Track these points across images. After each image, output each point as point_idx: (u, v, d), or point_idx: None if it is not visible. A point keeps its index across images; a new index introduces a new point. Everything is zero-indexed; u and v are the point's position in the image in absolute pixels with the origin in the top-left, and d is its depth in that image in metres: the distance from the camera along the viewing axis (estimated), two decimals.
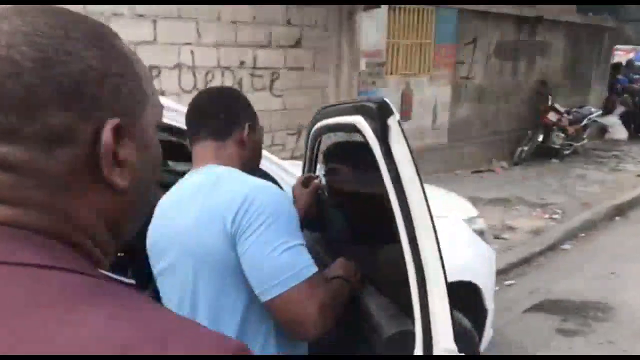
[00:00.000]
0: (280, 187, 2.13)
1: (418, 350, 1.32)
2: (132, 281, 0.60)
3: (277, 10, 6.67)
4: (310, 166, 2.19)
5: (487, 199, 7.43)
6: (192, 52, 6.07)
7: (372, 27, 7.77)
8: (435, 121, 9.21)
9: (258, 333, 1.39)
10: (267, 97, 6.77)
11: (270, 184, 1.41)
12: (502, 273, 5.24)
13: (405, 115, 8.63)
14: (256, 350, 1.39)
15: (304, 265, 1.32)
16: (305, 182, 1.93)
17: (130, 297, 0.55)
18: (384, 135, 1.24)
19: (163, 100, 2.29)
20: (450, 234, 2.93)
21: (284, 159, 2.89)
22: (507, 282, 5.14)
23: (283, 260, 1.29)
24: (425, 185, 3.81)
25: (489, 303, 3.06)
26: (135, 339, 0.48)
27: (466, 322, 2.86)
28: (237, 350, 0.52)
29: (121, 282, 0.59)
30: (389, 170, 1.24)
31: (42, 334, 0.47)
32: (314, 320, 1.30)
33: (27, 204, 0.56)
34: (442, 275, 1.21)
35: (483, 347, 3.21)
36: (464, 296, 2.94)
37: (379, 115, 1.26)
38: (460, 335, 2.77)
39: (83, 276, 0.54)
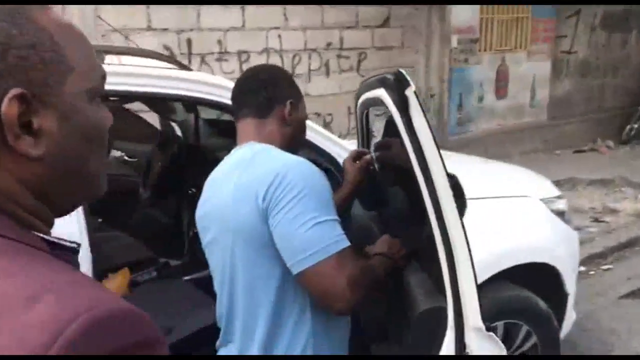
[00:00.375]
0: (339, 166, 2.14)
1: (450, 326, 1.30)
2: (74, 245, 0.64)
3: None
4: (362, 141, 2.17)
5: (588, 179, 7.01)
6: (279, 36, 6.17)
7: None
8: (533, 98, 8.80)
9: (293, 307, 1.42)
10: (354, 77, 6.75)
11: (303, 160, 1.42)
12: (599, 257, 4.97)
13: (501, 92, 8.31)
14: (291, 323, 1.42)
15: (334, 240, 1.33)
16: (356, 157, 1.93)
17: (38, 258, 0.59)
18: (404, 107, 1.22)
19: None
20: (525, 214, 2.82)
21: None
22: (604, 267, 4.86)
23: (312, 235, 1.31)
24: (505, 164, 3.64)
25: (570, 286, 2.91)
26: (9, 292, 0.52)
27: (543, 305, 2.74)
28: (110, 313, 0.53)
29: (62, 245, 0.64)
30: (412, 142, 1.22)
31: None
32: (342, 293, 1.31)
33: None
34: (467, 247, 1.18)
35: (565, 331, 3.07)
36: (541, 278, 2.82)
37: (396, 86, 1.24)
38: (537, 318, 2.69)
39: None
